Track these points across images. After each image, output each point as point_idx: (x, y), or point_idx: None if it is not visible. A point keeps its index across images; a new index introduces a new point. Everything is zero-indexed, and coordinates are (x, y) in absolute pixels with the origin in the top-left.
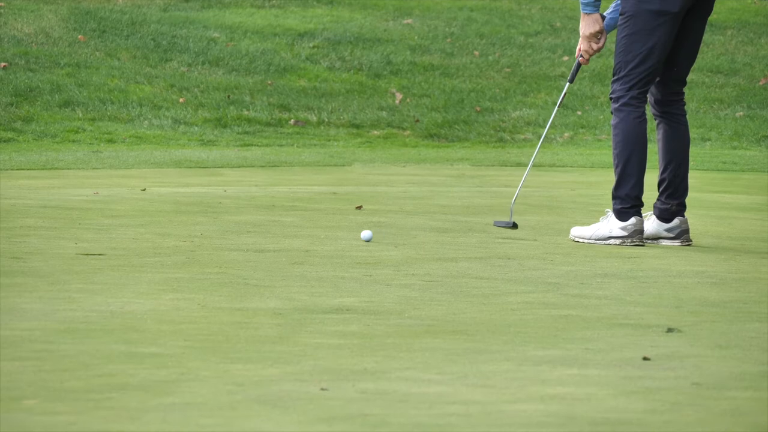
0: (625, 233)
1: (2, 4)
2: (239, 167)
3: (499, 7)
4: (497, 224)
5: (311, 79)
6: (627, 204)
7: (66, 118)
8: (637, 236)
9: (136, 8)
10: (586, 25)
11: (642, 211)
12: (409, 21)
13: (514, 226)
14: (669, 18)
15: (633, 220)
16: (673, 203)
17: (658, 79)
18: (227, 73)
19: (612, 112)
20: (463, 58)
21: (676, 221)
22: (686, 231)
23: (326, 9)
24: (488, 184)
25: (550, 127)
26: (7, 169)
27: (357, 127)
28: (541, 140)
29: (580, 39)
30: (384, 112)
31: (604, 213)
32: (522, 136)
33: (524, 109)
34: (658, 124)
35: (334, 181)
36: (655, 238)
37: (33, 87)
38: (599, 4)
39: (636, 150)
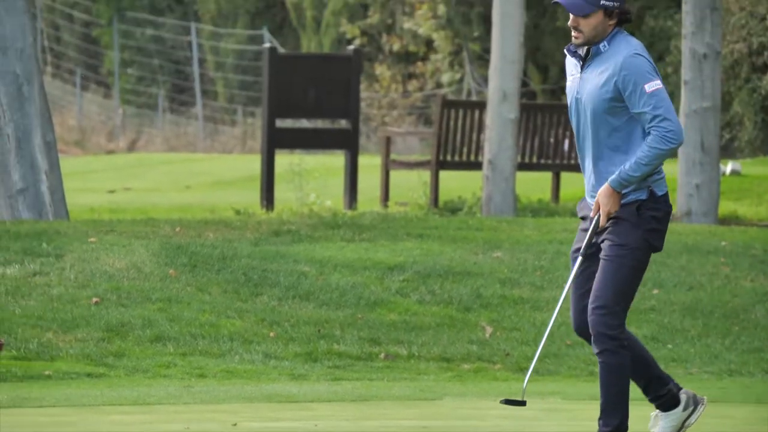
0: None
1: (95, 239)
2: (329, 401)
3: None
4: (505, 402)
5: (401, 312)
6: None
7: (157, 353)
8: None
9: (227, 243)
10: (612, 202)
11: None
12: (499, 254)
13: (523, 404)
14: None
15: None
16: (664, 390)
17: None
18: (317, 307)
19: (610, 351)
20: (552, 292)
21: (682, 395)
22: (694, 395)
23: (416, 242)
24: (579, 417)
25: None
26: (98, 405)
27: (447, 360)
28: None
29: (601, 208)
30: (474, 346)
31: None
32: None
33: None
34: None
35: (425, 416)
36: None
37: (125, 322)
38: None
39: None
